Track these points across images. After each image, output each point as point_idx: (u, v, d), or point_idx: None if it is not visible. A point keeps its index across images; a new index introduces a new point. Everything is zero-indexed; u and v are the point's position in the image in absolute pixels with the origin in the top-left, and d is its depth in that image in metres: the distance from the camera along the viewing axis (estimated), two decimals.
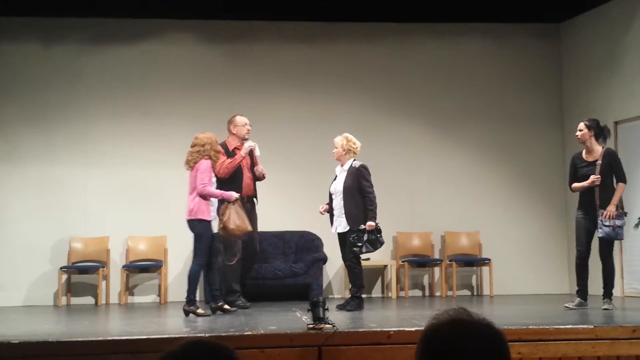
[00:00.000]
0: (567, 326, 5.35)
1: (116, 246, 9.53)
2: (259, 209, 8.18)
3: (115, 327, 7.10)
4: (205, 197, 7.12)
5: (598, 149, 7.25)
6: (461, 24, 10.34)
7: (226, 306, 7.27)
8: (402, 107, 10.15)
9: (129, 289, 9.42)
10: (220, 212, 7.35)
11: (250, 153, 7.93)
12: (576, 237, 7.34)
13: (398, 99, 10.18)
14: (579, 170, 7.30)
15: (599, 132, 7.25)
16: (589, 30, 9.94)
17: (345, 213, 7.43)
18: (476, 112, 10.30)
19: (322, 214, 7.75)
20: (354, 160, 7.61)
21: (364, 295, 7.76)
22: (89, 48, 9.84)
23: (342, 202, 7.47)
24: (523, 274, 10.01)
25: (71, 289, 9.40)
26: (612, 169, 7.18)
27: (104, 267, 9.28)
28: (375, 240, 7.34)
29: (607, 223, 6.96)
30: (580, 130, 7.28)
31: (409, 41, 10.33)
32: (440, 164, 10.17)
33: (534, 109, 10.25)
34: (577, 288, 7.27)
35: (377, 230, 7.35)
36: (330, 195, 7.67)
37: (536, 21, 10.39)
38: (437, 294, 9.91)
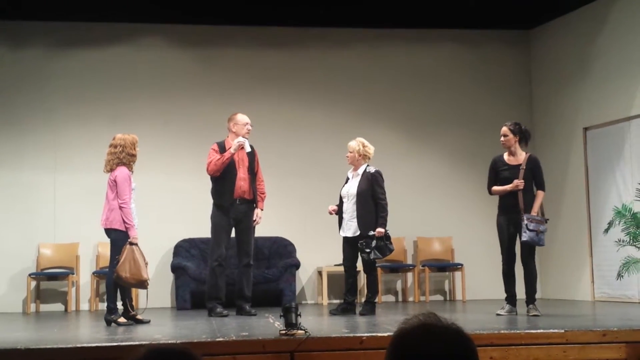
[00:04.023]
0: (538, 330, 5.39)
1: (86, 252, 9.42)
2: None
3: (85, 334, 7.02)
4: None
5: (522, 153, 7.23)
6: (432, 30, 10.39)
7: (121, 319, 6.77)
8: (374, 112, 10.16)
9: (100, 296, 9.31)
10: (120, 252, 6.72)
11: (252, 154, 7.73)
12: (500, 244, 7.26)
13: (370, 105, 10.19)
14: (500, 173, 7.23)
15: (522, 135, 7.22)
16: (559, 37, 10.04)
17: (357, 217, 7.40)
18: (447, 117, 10.35)
19: (330, 213, 7.68)
20: (368, 165, 7.60)
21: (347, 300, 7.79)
22: (57, 52, 9.73)
23: (354, 206, 7.43)
24: (495, 279, 10.02)
25: (40, 295, 9.27)
26: (534, 175, 7.15)
27: (73, 274, 9.18)
28: (384, 247, 7.31)
29: (531, 227, 6.86)
30: (505, 136, 7.21)
31: (381, 47, 10.36)
32: (412, 170, 10.19)
33: (505, 115, 10.24)
34: (505, 295, 7.23)
35: (386, 237, 7.33)
36: (341, 198, 7.62)
37: (507, 28, 10.47)
38: (410, 299, 9.93)
